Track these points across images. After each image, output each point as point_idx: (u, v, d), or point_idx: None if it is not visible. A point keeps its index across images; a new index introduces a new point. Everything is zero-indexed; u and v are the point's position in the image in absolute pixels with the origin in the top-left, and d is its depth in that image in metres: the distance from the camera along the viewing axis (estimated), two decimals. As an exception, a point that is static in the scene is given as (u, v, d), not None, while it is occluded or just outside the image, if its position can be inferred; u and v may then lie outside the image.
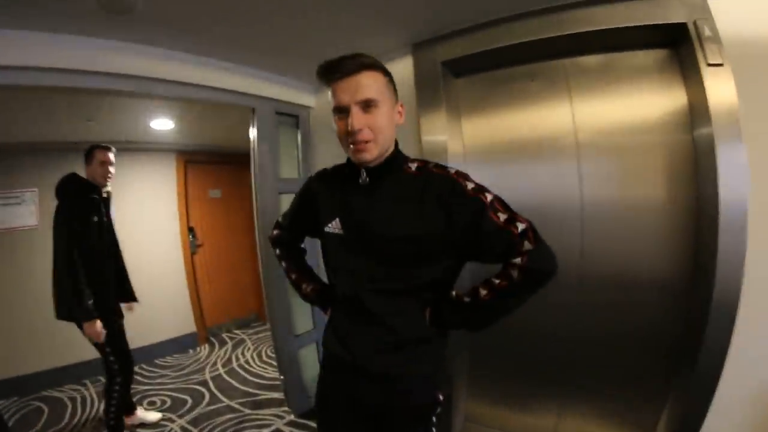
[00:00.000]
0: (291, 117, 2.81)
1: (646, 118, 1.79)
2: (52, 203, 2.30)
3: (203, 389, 3.26)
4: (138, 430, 2.63)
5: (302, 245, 1.49)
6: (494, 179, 2.06)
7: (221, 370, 3.64)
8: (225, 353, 4.09)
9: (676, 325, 1.78)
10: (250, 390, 3.20)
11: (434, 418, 1.19)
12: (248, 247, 4.75)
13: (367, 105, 1.00)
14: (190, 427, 2.67)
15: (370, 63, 1.04)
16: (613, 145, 1.86)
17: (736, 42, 1.54)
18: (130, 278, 2.73)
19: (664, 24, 1.62)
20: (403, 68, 2.26)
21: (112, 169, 2.42)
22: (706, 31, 1.53)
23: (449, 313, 1.09)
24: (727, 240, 1.53)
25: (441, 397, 1.17)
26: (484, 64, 2.10)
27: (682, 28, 1.60)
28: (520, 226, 0.99)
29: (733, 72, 1.51)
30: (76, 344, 2.48)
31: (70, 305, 2.22)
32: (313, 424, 2.53)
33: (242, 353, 4.06)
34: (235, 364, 3.77)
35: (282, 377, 2.74)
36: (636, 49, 1.80)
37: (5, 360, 3.21)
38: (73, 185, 2.34)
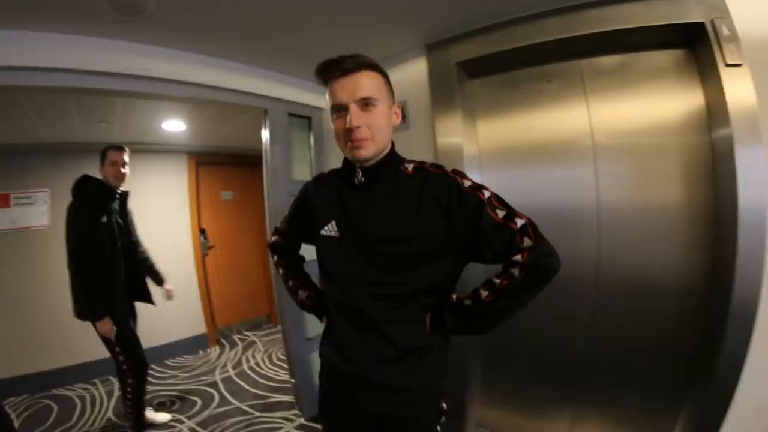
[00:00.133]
0: (303, 118, 2.83)
1: (664, 120, 1.79)
2: (64, 204, 2.34)
3: (213, 391, 3.28)
4: (147, 430, 2.65)
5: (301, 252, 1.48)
6: (510, 182, 2.11)
7: (231, 372, 3.66)
8: (235, 355, 4.12)
9: (693, 331, 1.76)
10: (260, 392, 3.22)
11: (439, 428, 1.17)
12: (259, 250, 4.83)
13: (366, 103, 1.01)
14: (199, 429, 2.69)
15: (369, 63, 1.05)
16: (630, 146, 1.86)
17: (754, 42, 1.53)
18: (158, 273, 2.82)
19: (681, 23, 1.62)
20: (417, 69, 2.28)
21: (124, 169, 2.43)
22: (725, 31, 1.53)
23: (450, 317, 1.07)
24: (746, 244, 1.51)
25: (445, 407, 1.17)
26: (499, 65, 2.11)
27: (699, 27, 1.59)
28: (519, 222, 0.98)
29: (751, 72, 1.51)
30: (87, 343, 2.52)
31: (81, 304, 2.28)
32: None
33: (253, 355, 4.08)
34: (245, 366, 3.79)
35: (293, 380, 2.75)
36: (652, 50, 1.80)
37: (17, 358, 3.27)
38: (83, 186, 2.36)
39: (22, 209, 3.45)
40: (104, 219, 2.34)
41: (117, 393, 3.19)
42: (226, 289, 4.62)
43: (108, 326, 2.26)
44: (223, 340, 4.51)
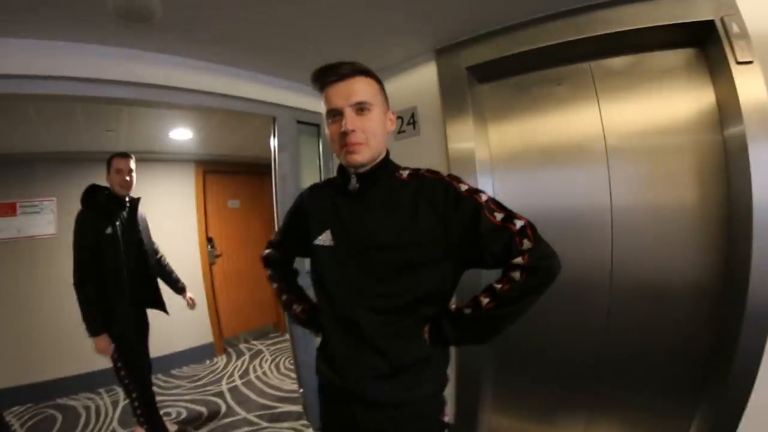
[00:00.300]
0: (312, 126, 2.86)
1: (675, 119, 1.81)
2: (71, 212, 2.35)
3: (220, 401, 3.27)
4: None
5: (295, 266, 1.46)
6: (522, 186, 2.13)
7: (238, 382, 3.66)
8: (242, 364, 4.11)
9: (707, 333, 1.76)
10: (268, 402, 3.20)
11: None
12: (267, 258, 4.82)
13: (361, 108, 1.02)
14: (206, 440, 2.67)
15: (364, 69, 1.06)
16: (642, 148, 1.88)
17: (765, 38, 1.55)
18: (178, 282, 2.83)
19: (690, 22, 1.65)
20: (427, 75, 2.31)
21: (129, 177, 2.40)
22: (735, 28, 1.55)
23: (450, 327, 1.04)
24: (761, 244, 1.52)
25: (446, 419, 1.14)
26: (509, 68, 2.14)
27: (709, 25, 1.62)
28: (518, 223, 0.97)
29: (762, 69, 1.52)
30: (92, 352, 2.51)
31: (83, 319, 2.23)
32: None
33: (260, 364, 4.08)
34: (252, 376, 3.78)
35: (301, 390, 2.74)
36: (662, 49, 1.83)
37: (21, 367, 3.29)
38: (90, 196, 2.35)
39: (28, 218, 3.49)
40: (109, 230, 2.31)
41: (122, 403, 3.19)
42: (233, 298, 4.64)
43: (104, 343, 2.22)
44: (230, 350, 4.51)
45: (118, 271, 2.33)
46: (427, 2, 1.79)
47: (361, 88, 1.03)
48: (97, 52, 1.91)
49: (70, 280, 2.24)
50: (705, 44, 1.72)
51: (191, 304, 2.83)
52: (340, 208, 1.12)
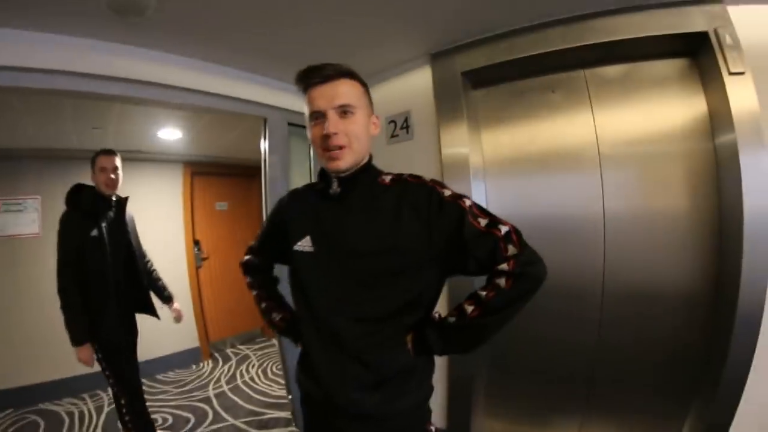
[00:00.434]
0: (304, 128, 2.82)
1: (668, 128, 1.86)
2: (55, 212, 2.27)
3: (206, 407, 3.25)
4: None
5: (275, 274, 1.44)
6: (515, 192, 2.16)
7: (225, 387, 3.64)
8: (229, 369, 4.09)
9: (699, 337, 1.82)
10: (256, 408, 3.19)
11: None
12: (254, 262, 4.81)
13: (344, 111, 1.01)
14: (193, 447, 2.65)
15: (349, 71, 1.05)
16: (635, 155, 1.92)
17: (756, 50, 1.62)
18: (164, 290, 2.71)
19: (684, 33, 1.70)
20: (421, 79, 2.34)
21: (114, 175, 2.30)
22: (728, 40, 1.62)
23: (434, 337, 1.02)
24: (752, 250, 1.58)
25: (432, 429, 1.14)
26: (503, 74, 2.17)
27: (703, 37, 1.68)
28: (503, 229, 0.96)
29: (753, 80, 1.59)
30: (76, 356, 2.48)
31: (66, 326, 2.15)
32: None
33: (247, 370, 4.06)
34: (239, 381, 3.77)
35: (290, 396, 2.74)
36: (656, 59, 1.89)
37: (2, 370, 3.22)
38: (75, 197, 2.27)
39: (11, 216, 3.42)
40: (94, 233, 2.22)
41: (107, 408, 3.16)
42: (220, 302, 4.61)
43: (87, 354, 2.14)
44: (216, 354, 4.49)
45: (104, 275, 2.24)
46: (423, 7, 1.81)
47: (345, 91, 1.02)
48: (88, 46, 1.88)
49: (54, 281, 2.17)
50: (698, 55, 1.78)
51: (178, 317, 2.74)
52: (320, 212, 1.10)
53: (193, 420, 3.02)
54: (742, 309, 1.61)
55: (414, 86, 2.40)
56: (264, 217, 2.60)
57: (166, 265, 3.95)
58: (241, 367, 4.12)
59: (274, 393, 3.46)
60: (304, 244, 1.09)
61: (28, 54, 1.76)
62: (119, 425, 2.38)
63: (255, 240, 1.39)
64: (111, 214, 2.36)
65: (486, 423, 2.35)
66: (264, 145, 2.66)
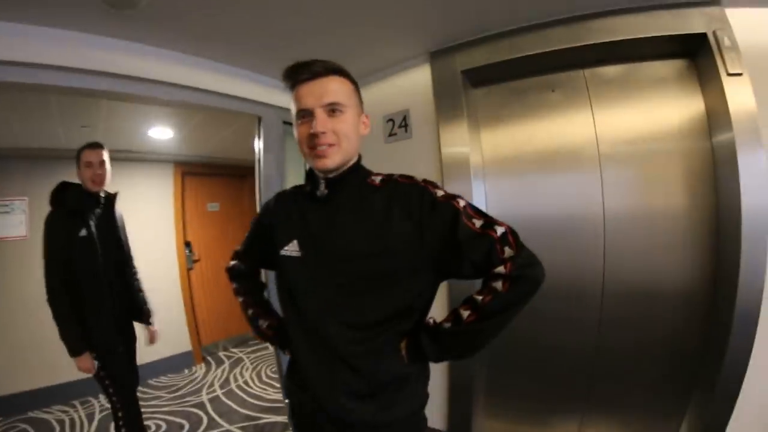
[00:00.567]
0: (297, 127, 2.86)
1: (666, 127, 1.93)
2: (43, 213, 2.15)
3: (200, 412, 3.24)
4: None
5: (263, 280, 1.42)
6: (515, 192, 2.22)
7: (219, 392, 3.64)
8: (222, 373, 4.10)
9: (698, 334, 1.89)
10: (251, 413, 3.19)
11: None
12: (246, 263, 4.81)
13: (333, 109, 0.99)
14: (188, 455, 2.63)
15: (339, 68, 1.03)
16: (635, 154, 1.98)
17: (753, 52, 1.69)
18: (144, 304, 2.50)
19: (684, 34, 1.77)
20: (420, 77, 2.38)
21: (101, 169, 2.17)
22: (726, 41, 1.68)
23: (429, 343, 1.00)
24: (749, 248, 1.65)
25: None
26: (503, 73, 2.22)
27: (701, 38, 1.74)
28: (499, 230, 0.94)
29: (751, 80, 1.66)
30: (66, 363, 2.41)
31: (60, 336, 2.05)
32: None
33: (241, 373, 4.07)
34: (233, 385, 3.77)
35: (287, 400, 2.75)
36: (655, 59, 1.95)
37: (-10, 378, 3.19)
38: (60, 195, 2.15)
39: (-3, 217, 3.39)
40: (83, 233, 2.09)
41: (98, 416, 3.16)
42: (212, 305, 4.62)
43: (87, 363, 2.05)
44: (209, 358, 4.49)
45: (97, 278, 2.13)
46: (423, 5, 1.85)
47: (334, 88, 1.00)
48: (77, 40, 1.85)
49: (42, 284, 2.06)
50: (696, 56, 1.84)
51: (152, 339, 2.60)
52: (307, 215, 1.08)
53: (187, 426, 3.01)
54: (740, 307, 1.67)
55: (412, 84, 2.44)
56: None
57: (156, 267, 3.99)
58: (234, 371, 4.12)
59: (269, 397, 3.46)
60: (291, 249, 1.07)
61: (12, 47, 1.71)
62: (112, 434, 2.33)
63: (241, 244, 1.36)
64: (99, 211, 2.24)
65: (486, 423, 2.39)
66: (258, 144, 2.67)
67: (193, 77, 2.26)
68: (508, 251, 0.92)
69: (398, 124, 2.49)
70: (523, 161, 2.23)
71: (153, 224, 4.15)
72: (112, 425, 2.70)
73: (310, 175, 1.10)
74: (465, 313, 0.96)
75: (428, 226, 0.97)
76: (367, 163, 1.12)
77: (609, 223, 2.02)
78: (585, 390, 2.16)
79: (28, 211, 3.47)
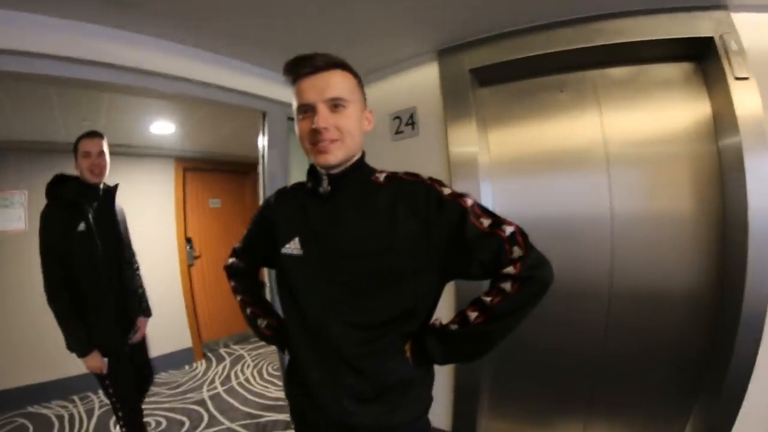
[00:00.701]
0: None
1: (673, 129, 1.99)
2: (42, 207, 2.09)
3: (201, 409, 3.27)
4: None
5: (262, 279, 1.41)
6: (522, 192, 2.27)
7: (220, 389, 3.67)
8: (223, 370, 4.14)
9: (704, 338, 1.94)
10: (253, 411, 3.22)
11: None
12: (247, 260, 4.86)
13: (335, 105, 0.98)
14: (188, 453, 2.65)
15: (341, 62, 1.02)
16: (642, 156, 2.04)
17: (760, 56, 1.75)
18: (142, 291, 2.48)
19: (691, 38, 1.83)
20: (428, 75, 2.42)
21: (101, 160, 2.10)
22: (733, 45, 1.74)
23: (435, 345, 0.99)
24: (756, 251, 1.70)
25: None
26: (511, 73, 2.26)
27: (708, 42, 1.80)
28: (508, 230, 0.93)
29: (758, 85, 1.72)
30: (65, 357, 2.33)
31: (63, 336, 2.00)
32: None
33: (242, 370, 4.11)
34: (234, 382, 3.81)
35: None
36: (662, 62, 2.01)
37: (-11, 373, 3.22)
38: (57, 188, 2.08)
39: (-4, 211, 3.42)
40: (82, 227, 2.01)
41: (98, 411, 3.20)
42: (213, 301, 4.67)
43: (97, 362, 2.00)
44: (209, 354, 4.53)
45: (97, 274, 2.05)
46: (432, 4, 1.88)
47: (336, 83, 0.99)
48: (75, 29, 1.82)
49: (41, 278, 2.01)
50: (703, 59, 1.90)
51: (139, 335, 2.45)
52: (309, 212, 1.07)
53: (187, 424, 3.03)
54: (746, 311, 1.72)
55: (420, 82, 2.47)
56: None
57: (157, 263, 4.02)
58: (235, 368, 4.17)
59: (270, 395, 3.49)
60: (293, 247, 1.06)
61: (9, 35, 1.67)
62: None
63: (239, 242, 1.35)
64: (99, 204, 2.16)
65: (491, 424, 2.44)
66: (263, 140, 2.68)
67: (197, 70, 2.24)
68: (516, 251, 0.91)
69: (405, 122, 2.53)
70: (531, 162, 2.28)
71: (154, 220, 4.19)
72: (112, 420, 2.78)
73: (312, 171, 1.09)
74: (473, 315, 0.95)
75: (435, 224, 0.96)
76: (372, 161, 1.13)
77: (617, 225, 2.07)
78: (590, 392, 2.22)
79: (27, 205, 3.50)
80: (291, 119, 2.75)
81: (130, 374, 2.23)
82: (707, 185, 1.90)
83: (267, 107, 2.65)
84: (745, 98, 1.72)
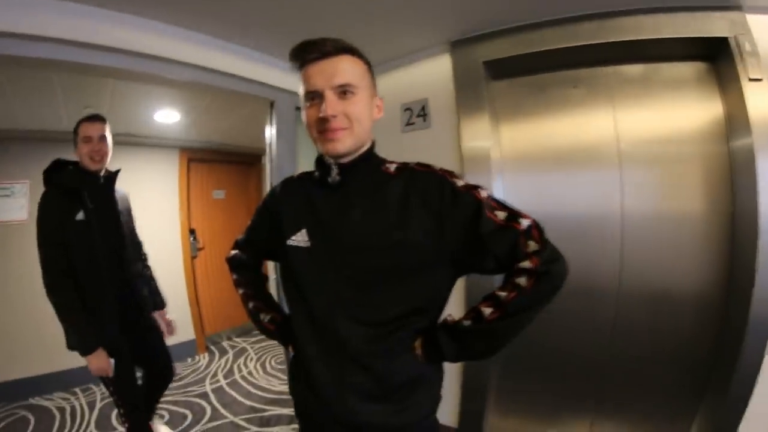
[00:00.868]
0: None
1: (685, 129, 2.03)
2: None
3: (204, 402, 3.32)
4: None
5: (266, 272, 1.41)
6: (533, 188, 2.31)
7: (222, 382, 3.74)
8: (226, 363, 4.20)
9: (711, 338, 1.99)
10: (256, 405, 3.27)
11: None
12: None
13: (344, 91, 0.96)
14: (190, 446, 2.70)
15: (350, 47, 1.01)
16: (654, 154, 2.08)
17: None
18: (157, 294, 2.58)
19: (705, 37, 1.88)
20: (441, 67, 2.44)
21: (102, 145, 2.05)
22: (747, 46, 1.80)
23: (447, 342, 0.99)
24: (767, 253, 1.74)
25: None
26: (525, 66, 2.29)
27: (723, 42, 1.85)
28: (524, 223, 0.93)
29: None
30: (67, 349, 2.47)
31: (66, 333, 1.96)
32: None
33: (245, 363, 4.16)
34: (237, 376, 3.87)
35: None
36: (677, 61, 2.05)
37: (-10, 364, 3.27)
38: (55, 174, 2.03)
39: (-1, 201, 3.46)
40: (80, 216, 1.96)
41: (99, 404, 3.24)
42: (216, 293, 4.73)
43: (101, 361, 1.93)
44: (212, 347, 4.60)
45: (96, 266, 2.00)
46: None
47: (345, 68, 0.97)
48: (80, 12, 1.82)
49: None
50: (717, 59, 1.96)
51: (170, 331, 2.60)
52: (317, 203, 1.06)
53: (190, 417, 3.08)
54: (754, 313, 1.77)
55: (432, 74, 2.49)
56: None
57: (160, 255, 4.00)
58: (238, 361, 4.22)
59: (274, 389, 3.53)
60: (299, 239, 1.05)
61: (10, 17, 1.65)
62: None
63: (242, 233, 1.34)
64: (99, 192, 2.10)
65: (498, 422, 2.49)
66: (271, 130, 2.70)
67: (204, 56, 2.24)
68: (532, 245, 0.91)
69: (416, 113, 2.55)
70: (543, 157, 2.31)
71: (157, 211, 4.24)
72: (114, 413, 2.83)
73: (320, 160, 1.07)
74: (487, 311, 0.95)
75: (449, 217, 0.95)
76: (382, 152, 1.12)
77: (627, 223, 2.11)
78: (596, 391, 2.27)
79: (30, 195, 3.55)
80: (299, 109, 2.79)
81: (132, 373, 2.18)
82: (718, 186, 1.95)
83: (275, 96, 2.66)
84: (758, 100, 1.76)
